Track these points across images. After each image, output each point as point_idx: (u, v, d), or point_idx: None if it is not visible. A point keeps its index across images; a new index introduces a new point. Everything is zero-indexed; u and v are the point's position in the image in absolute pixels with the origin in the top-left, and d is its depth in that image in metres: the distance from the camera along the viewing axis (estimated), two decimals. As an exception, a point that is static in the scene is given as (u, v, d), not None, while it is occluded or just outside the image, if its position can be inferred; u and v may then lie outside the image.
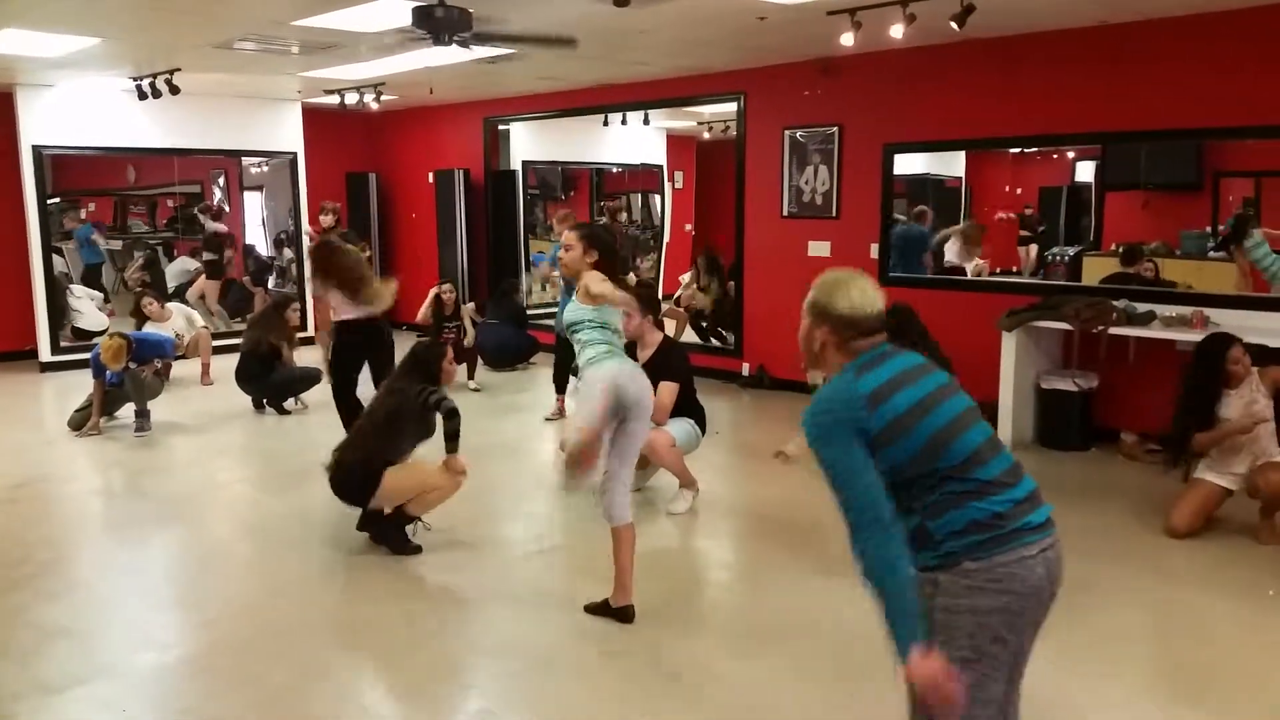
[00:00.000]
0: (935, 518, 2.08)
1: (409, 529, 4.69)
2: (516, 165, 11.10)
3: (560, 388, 7.31)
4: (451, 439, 4.58)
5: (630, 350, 5.79)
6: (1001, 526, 2.06)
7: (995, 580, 2.05)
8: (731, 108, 8.72)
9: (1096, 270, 7.18)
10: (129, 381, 6.98)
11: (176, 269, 11.51)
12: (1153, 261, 6.84)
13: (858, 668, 3.42)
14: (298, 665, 3.60)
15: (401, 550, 4.63)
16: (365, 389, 5.74)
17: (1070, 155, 8.10)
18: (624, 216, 13.17)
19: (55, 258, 9.90)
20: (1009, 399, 6.35)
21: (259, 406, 7.76)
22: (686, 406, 5.32)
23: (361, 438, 4.73)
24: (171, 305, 9.20)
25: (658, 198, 13.06)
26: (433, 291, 8.59)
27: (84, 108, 9.48)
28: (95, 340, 7.25)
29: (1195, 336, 5.76)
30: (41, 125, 9.37)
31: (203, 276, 10.98)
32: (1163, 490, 5.33)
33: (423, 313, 8.56)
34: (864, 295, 2.21)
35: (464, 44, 5.70)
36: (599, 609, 3.91)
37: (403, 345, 5.27)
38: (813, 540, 4.81)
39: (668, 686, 3.42)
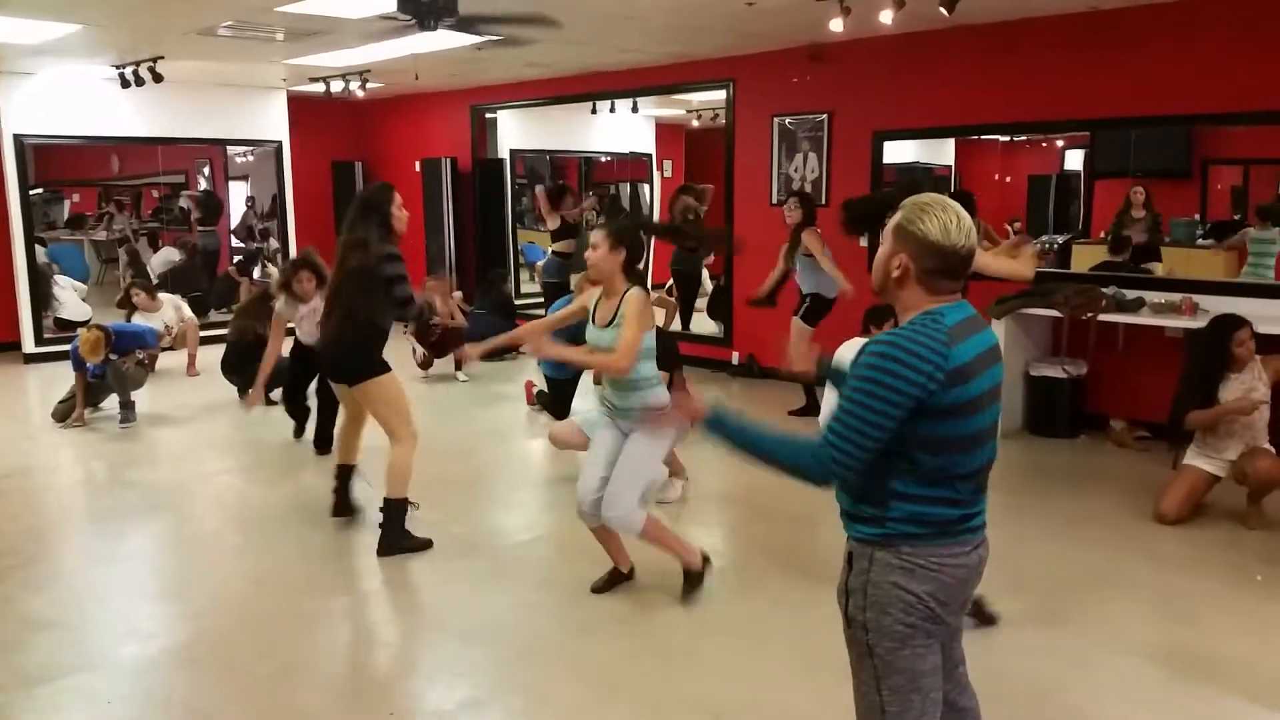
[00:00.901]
0: (908, 502, 1.99)
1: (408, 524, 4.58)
2: (504, 154, 11.05)
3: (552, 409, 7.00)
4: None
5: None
6: (954, 528, 2.04)
7: (926, 567, 2.01)
8: (720, 96, 8.69)
9: (1086, 258, 7.19)
10: (110, 373, 6.92)
11: (161, 259, 11.40)
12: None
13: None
14: (283, 656, 3.57)
15: (417, 547, 4.50)
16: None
17: (1059, 144, 8.09)
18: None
19: (38, 248, 9.80)
20: (998, 386, 6.34)
21: (245, 397, 7.69)
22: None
23: (346, 313, 4.42)
24: (162, 296, 9.09)
25: (647, 187, 13.01)
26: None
27: (66, 96, 9.37)
28: (78, 331, 7.17)
29: (1184, 323, 5.78)
30: (22, 114, 9.25)
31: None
32: (1152, 477, 5.34)
33: (413, 327, 8.43)
34: (959, 225, 1.98)
35: (453, 27, 5.65)
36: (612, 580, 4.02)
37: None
38: (804, 528, 4.80)
39: (658, 673, 3.40)
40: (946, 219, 1.98)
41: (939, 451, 1.96)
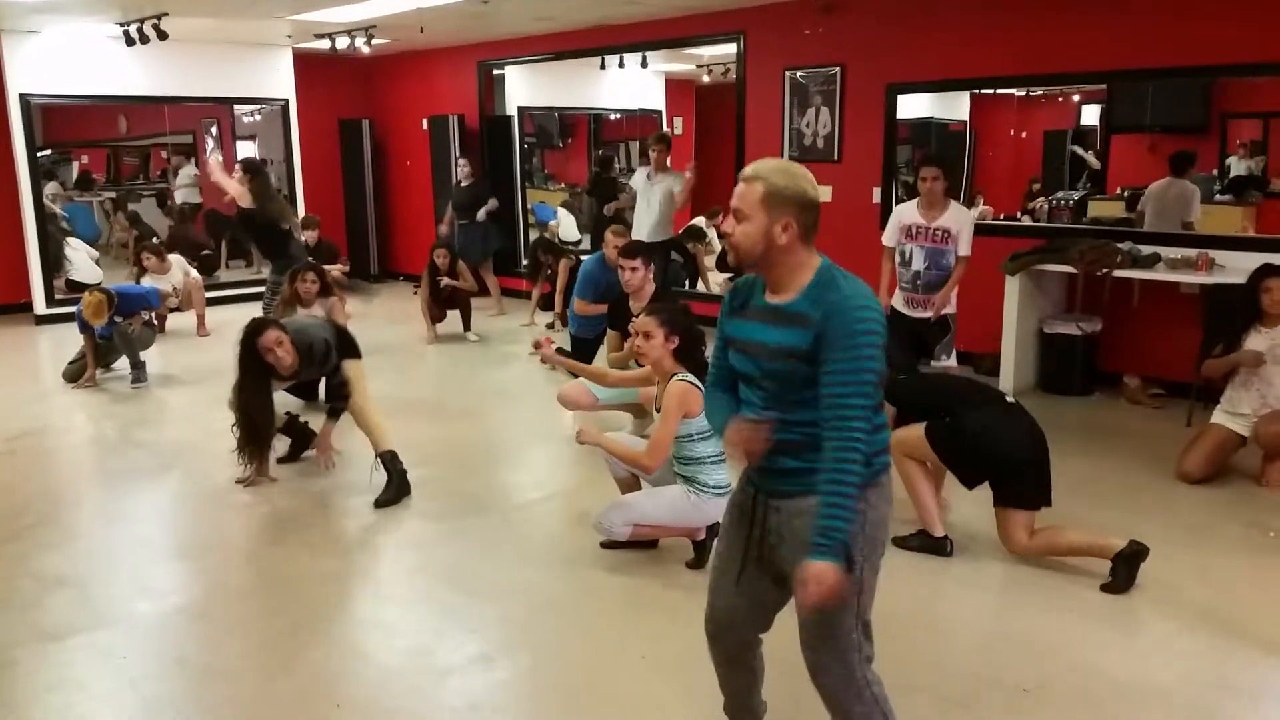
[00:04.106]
0: (879, 431, 2.13)
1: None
2: (512, 111, 10.93)
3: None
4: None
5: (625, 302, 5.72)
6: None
7: (887, 491, 2.18)
8: (730, 50, 8.55)
9: (1100, 215, 7.09)
10: (117, 335, 6.92)
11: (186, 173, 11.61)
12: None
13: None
14: (294, 613, 3.59)
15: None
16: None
17: (1075, 98, 7.96)
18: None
19: (55, 206, 9.81)
20: (1011, 343, 6.29)
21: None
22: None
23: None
24: (170, 257, 9.04)
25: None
26: (425, 275, 8.40)
27: (71, 55, 9.30)
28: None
29: (1200, 278, 5.70)
30: (28, 73, 9.19)
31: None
32: (1166, 434, 5.31)
33: (424, 291, 8.37)
34: (815, 182, 2.17)
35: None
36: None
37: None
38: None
39: (669, 630, 3.40)
40: (809, 177, 2.13)
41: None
